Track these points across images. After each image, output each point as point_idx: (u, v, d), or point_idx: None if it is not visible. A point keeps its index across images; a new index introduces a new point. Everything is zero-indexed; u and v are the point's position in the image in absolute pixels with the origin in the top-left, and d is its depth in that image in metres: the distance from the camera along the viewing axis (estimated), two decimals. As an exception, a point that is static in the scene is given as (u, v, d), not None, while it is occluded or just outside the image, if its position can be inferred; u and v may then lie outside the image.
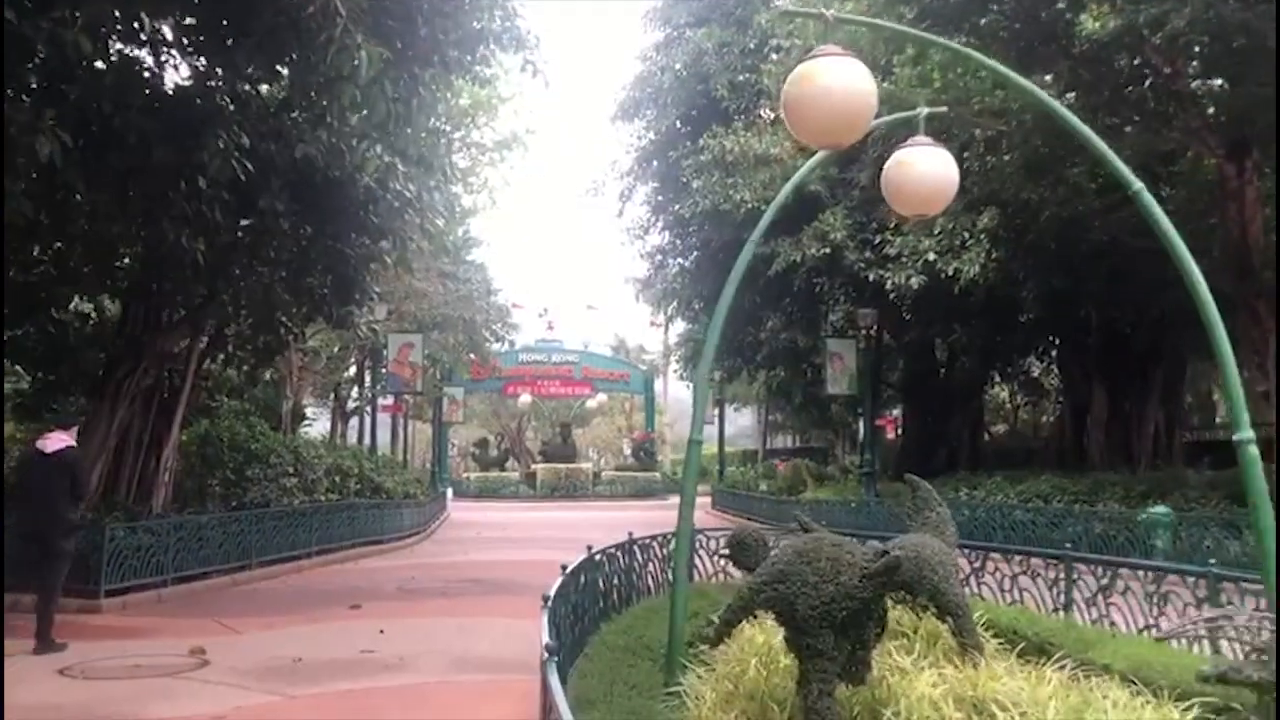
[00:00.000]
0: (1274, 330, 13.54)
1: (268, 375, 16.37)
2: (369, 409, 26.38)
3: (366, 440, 26.75)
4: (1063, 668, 5.06)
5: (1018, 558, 7.96)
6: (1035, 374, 27.39)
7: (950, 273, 17.33)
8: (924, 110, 7.15)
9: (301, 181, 12.01)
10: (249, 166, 10.66)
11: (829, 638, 4.56)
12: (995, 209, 16.88)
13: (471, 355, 29.40)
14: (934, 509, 6.47)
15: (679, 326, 48.89)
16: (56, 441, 8.54)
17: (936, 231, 18.17)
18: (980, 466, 22.69)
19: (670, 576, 9.02)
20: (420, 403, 36.15)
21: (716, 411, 43.15)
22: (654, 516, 31.52)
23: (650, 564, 8.54)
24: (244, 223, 12.28)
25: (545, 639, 4.25)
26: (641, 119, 26.69)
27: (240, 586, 12.18)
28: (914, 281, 17.66)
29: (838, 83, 4.54)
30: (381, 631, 9.02)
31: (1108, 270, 15.97)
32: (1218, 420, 27.94)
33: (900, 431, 25.64)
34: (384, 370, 21.55)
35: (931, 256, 17.66)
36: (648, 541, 8.59)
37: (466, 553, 17.44)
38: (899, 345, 24.00)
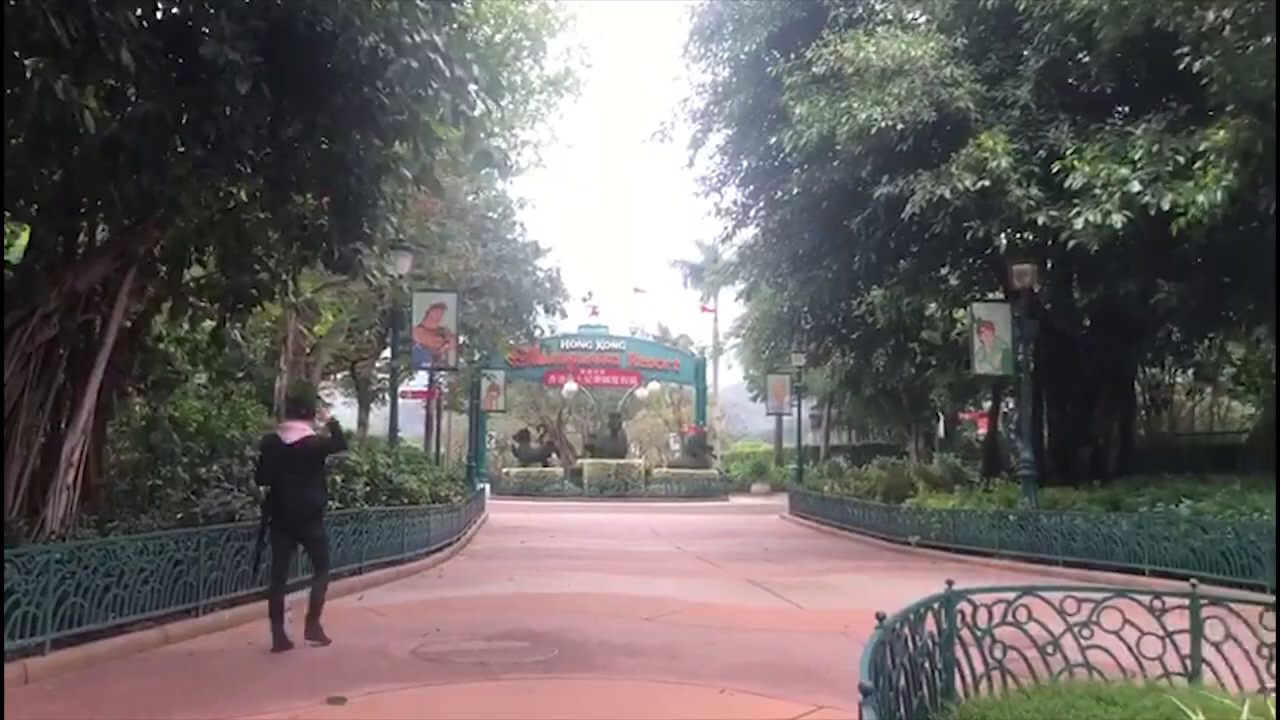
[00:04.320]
0: None
1: (238, 335, 12.17)
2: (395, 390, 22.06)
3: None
4: None
5: None
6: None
7: (1165, 208, 12.79)
8: None
9: (272, 36, 7.81)
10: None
11: None
12: (1238, 119, 12.28)
13: (512, 337, 25.16)
14: None
15: (735, 309, 44.47)
16: (296, 432, 8.27)
17: (1137, 156, 13.66)
18: (1131, 469, 18.05)
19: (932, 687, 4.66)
20: (455, 388, 31.96)
21: (792, 401, 38.83)
22: (725, 522, 27.04)
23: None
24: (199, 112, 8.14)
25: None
26: (717, 50, 22.11)
27: (173, 646, 7.93)
28: (1115, 220, 13.10)
29: None
30: (369, 779, 4.77)
31: None
32: None
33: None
34: (408, 339, 17.11)
35: (1136, 187, 13.11)
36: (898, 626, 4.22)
37: (512, 576, 13.18)
38: (1038, 314, 19.24)
